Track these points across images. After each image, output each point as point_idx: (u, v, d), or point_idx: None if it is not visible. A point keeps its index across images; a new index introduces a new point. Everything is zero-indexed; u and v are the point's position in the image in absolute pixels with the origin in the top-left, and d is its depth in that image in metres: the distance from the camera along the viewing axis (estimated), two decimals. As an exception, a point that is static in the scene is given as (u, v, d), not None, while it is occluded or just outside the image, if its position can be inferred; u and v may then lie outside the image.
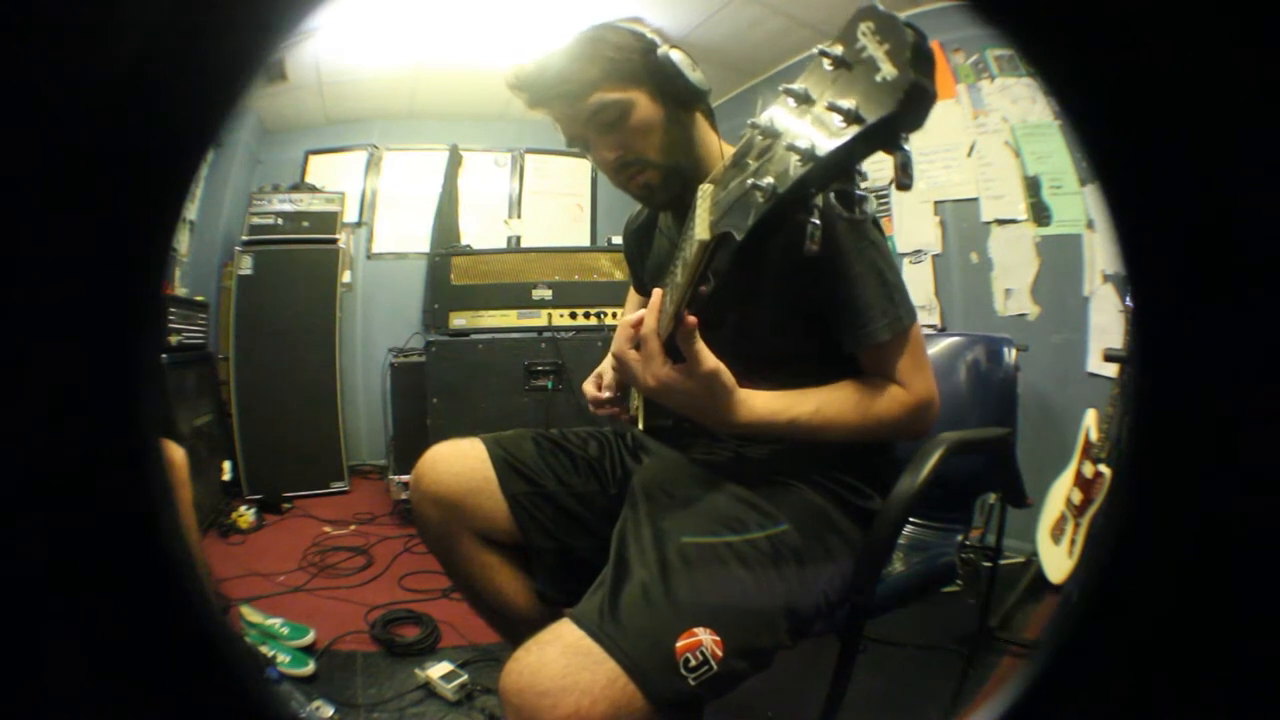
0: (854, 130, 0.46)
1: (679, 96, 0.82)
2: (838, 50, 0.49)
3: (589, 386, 1.09)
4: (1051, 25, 0.27)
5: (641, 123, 0.82)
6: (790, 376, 0.85)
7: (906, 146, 0.47)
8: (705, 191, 0.63)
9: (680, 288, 0.70)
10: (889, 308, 0.78)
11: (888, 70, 0.45)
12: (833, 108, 0.47)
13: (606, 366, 1.10)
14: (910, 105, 0.44)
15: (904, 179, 0.47)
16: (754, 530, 0.76)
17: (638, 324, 0.74)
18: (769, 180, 0.52)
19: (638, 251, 1.09)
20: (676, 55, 0.80)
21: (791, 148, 0.50)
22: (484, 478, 0.96)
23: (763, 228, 0.54)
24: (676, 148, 0.84)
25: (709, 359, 0.72)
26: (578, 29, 0.84)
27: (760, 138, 0.56)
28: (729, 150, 0.89)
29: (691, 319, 0.69)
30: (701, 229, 0.62)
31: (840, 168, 0.49)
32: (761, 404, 0.78)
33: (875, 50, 0.46)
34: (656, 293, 0.74)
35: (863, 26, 0.47)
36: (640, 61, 0.80)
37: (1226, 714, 0.28)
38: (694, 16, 2.48)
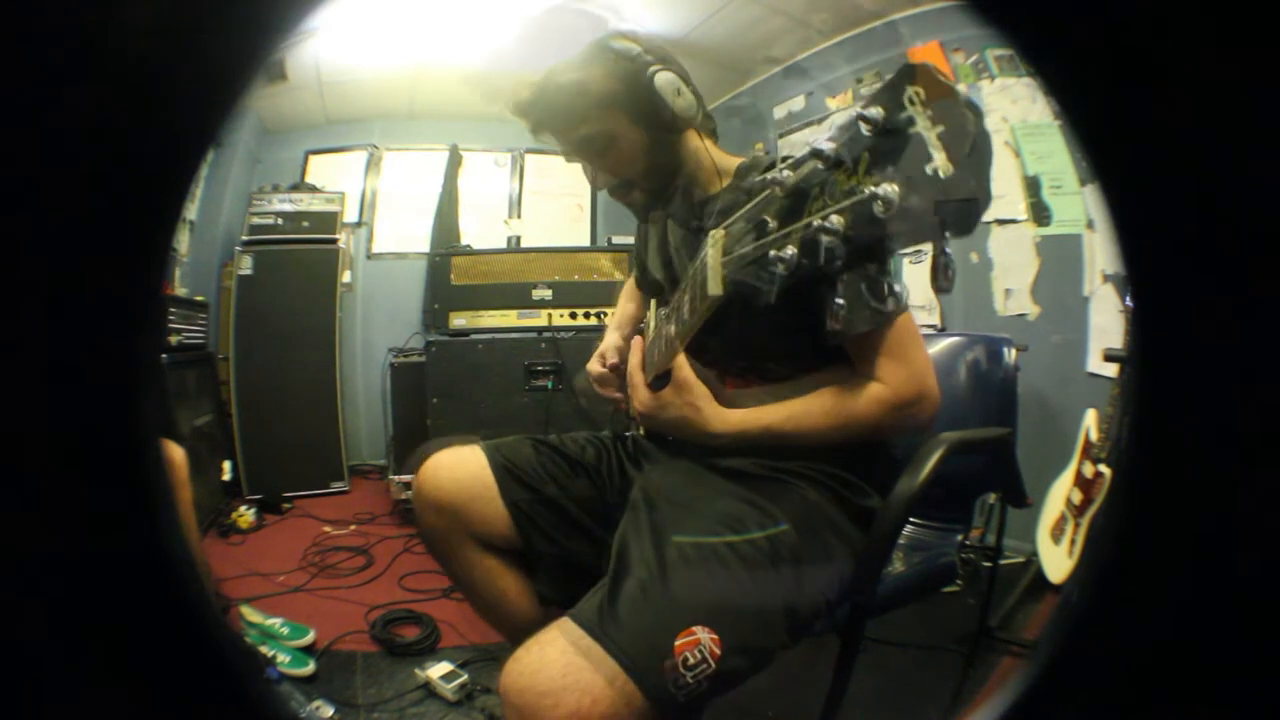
0: (894, 226, 0.40)
1: (663, 123, 0.84)
2: (877, 114, 0.42)
3: (594, 365, 1.12)
4: (1051, 25, 0.27)
5: (625, 151, 0.86)
6: (790, 372, 0.86)
7: (949, 250, 0.41)
8: (716, 239, 0.62)
9: (688, 325, 0.72)
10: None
11: (941, 163, 0.38)
12: (877, 196, 0.41)
13: (609, 344, 1.12)
14: (959, 211, 0.38)
15: (943, 282, 0.42)
16: (753, 530, 0.76)
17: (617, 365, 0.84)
18: (792, 252, 0.48)
19: (645, 237, 1.08)
20: (663, 79, 0.82)
21: (822, 229, 0.45)
22: (483, 484, 0.97)
23: (785, 297, 0.51)
24: (660, 171, 0.88)
25: (682, 367, 0.80)
26: (575, 47, 0.86)
27: (779, 193, 0.51)
28: (724, 160, 0.91)
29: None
30: (714, 283, 0.61)
31: (872, 252, 0.44)
32: (736, 415, 0.82)
33: (926, 129, 0.39)
34: (637, 339, 0.84)
35: (911, 92, 0.40)
36: (624, 90, 0.83)
37: (1226, 714, 0.28)
38: (694, 16, 2.48)
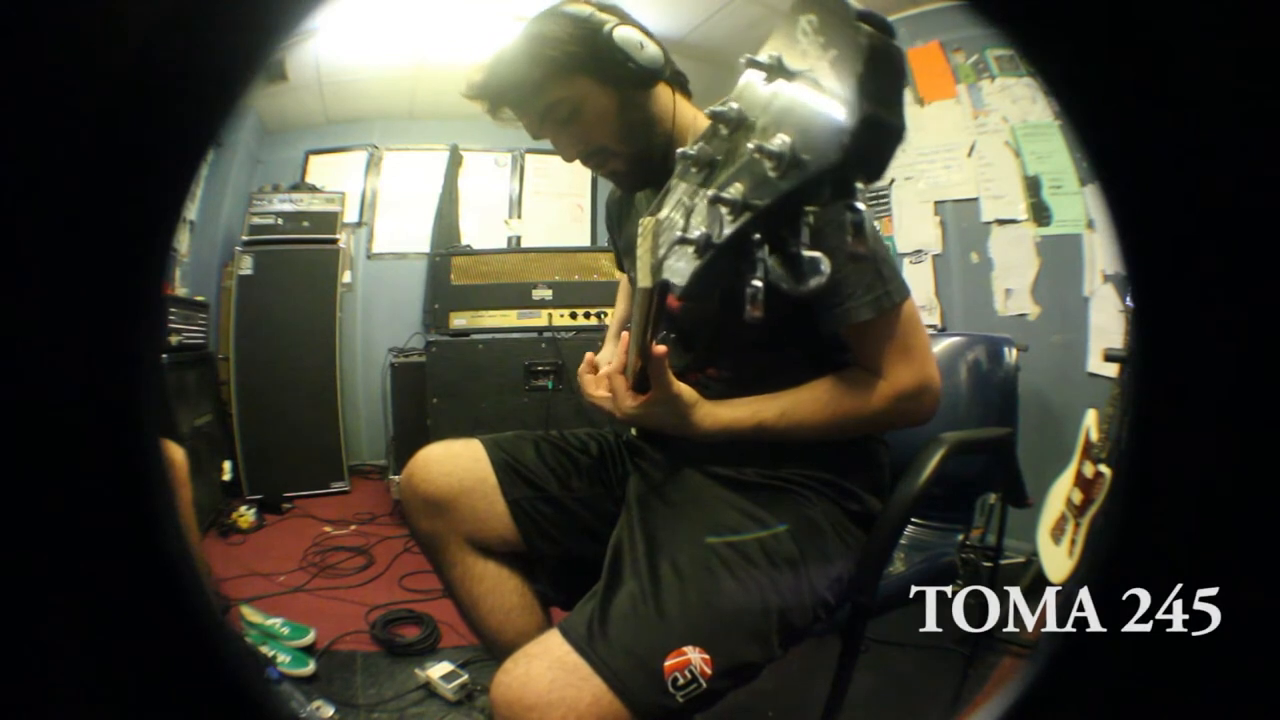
0: (790, 183, 0.34)
1: (630, 79, 0.79)
2: (771, 57, 0.37)
3: (583, 367, 1.04)
4: (1051, 25, 0.27)
5: (594, 115, 0.80)
6: (779, 366, 0.82)
7: (860, 205, 0.35)
8: (646, 227, 0.58)
9: (639, 325, 0.68)
10: (874, 283, 0.74)
11: (834, 94, 0.32)
12: (762, 151, 0.35)
13: (603, 355, 1.08)
14: (861, 149, 0.31)
15: (857, 248, 0.37)
16: (749, 541, 0.74)
17: (601, 366, 0.79)
18: (701, 232, 0.43)
19: (618, 220, 1.07)
20: (623, 34, 0.77)
21: (718, 199, 0.40)
22: (477, 478, 0.93)
23: (704, 280, 0.46)
24: (635, 132, 0.82)
25: (667, 386, 0.74)
26: (521, 25, 0.81)
27: (694, 169, 0.48)
28: (703, 121, 0.87)
29: (659, 349, 0.70)
30: (644, 274, 0.58)
31: (781, 219, 0.38)
32: (727, 413, 0.79)
33: (818, 59, 0.33)
34: (624, 336, 0.77)
35: (804, 21, 0.35)
36: (583, 51, 0.77)
37: (1225, 714, 0.28)
38: (694, 16, 2.48)
